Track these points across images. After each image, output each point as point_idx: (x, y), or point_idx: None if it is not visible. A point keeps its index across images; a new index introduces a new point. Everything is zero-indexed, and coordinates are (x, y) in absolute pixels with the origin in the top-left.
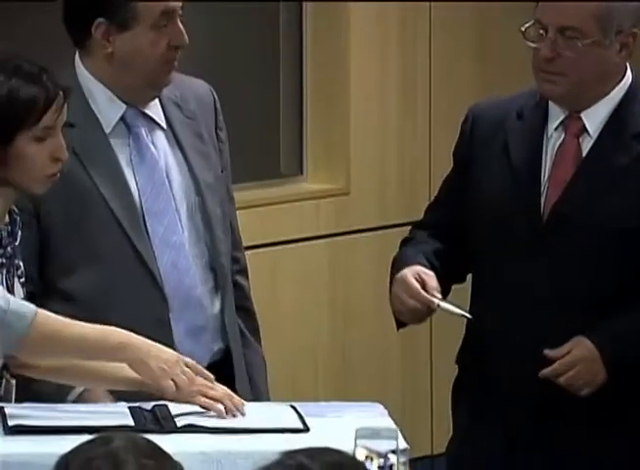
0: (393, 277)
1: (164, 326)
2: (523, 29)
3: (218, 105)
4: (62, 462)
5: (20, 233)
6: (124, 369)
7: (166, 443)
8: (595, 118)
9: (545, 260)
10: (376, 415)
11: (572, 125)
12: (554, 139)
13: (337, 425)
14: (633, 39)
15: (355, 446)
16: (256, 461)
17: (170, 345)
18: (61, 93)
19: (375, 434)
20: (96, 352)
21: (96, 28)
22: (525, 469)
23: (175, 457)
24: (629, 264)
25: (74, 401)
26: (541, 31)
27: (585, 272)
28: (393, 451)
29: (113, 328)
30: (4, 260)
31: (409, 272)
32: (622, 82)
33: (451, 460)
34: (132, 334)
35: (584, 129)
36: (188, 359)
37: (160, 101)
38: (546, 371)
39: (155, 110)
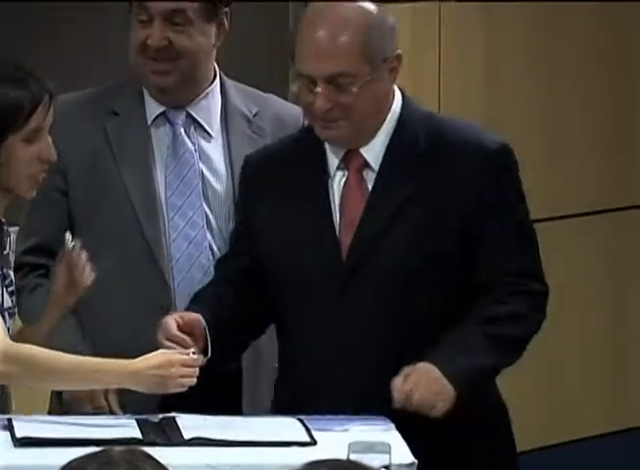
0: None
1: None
2: (295, 90)
3: None
4: None
5: (8, 242)
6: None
7: (174, 455)
8: (374, 150)
9: (350, 302)
10: (382, 429)
11: (354, 161)
12: (338, 178)
13: (343, 438)
14: (399, 61)
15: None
16: None
17: None
18: (47, 96)
19: (368, 448)
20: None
21: None
22: None
23: (180, 469)
24: (437, 290)
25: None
26: (310, 85)
27: (389, 311)
28: (386, 467)
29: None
30: None
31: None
32: (393, 106)
33: None
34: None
35: (366, 163)
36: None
37: (227, 111)
38: (395, 403)
39: (204, 114)
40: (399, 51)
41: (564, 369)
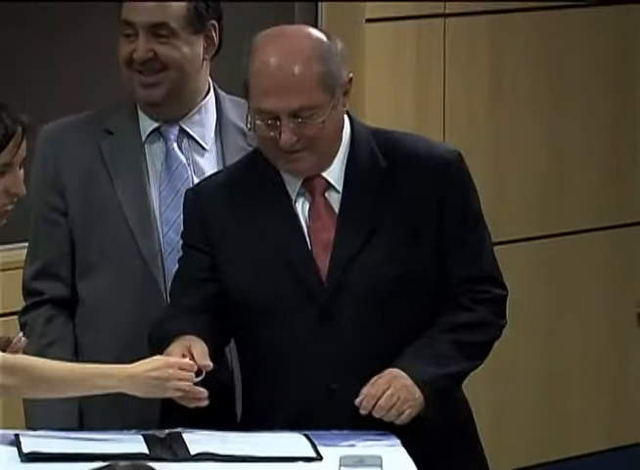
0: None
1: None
2: (249, 126)
3: None
4: None
5: None
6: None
7: None
8: (335, 172)
9: (333, 322)
10: (388, 445)
11: (317, 185)
12: (300, 202)
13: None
14: (351, 83)
15: None
16: None
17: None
18: (19, 129)
19: (359, 462)
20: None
21: None
22: None
23: None
24: (417, 301)
25: None
26: (270, 121)
27: (371, 326)
28: None
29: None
30: None
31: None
32: (345, 126)
33: None
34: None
35: (329, 185)
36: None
37: (221, 125)
38: (361, 410)
39: (197, 128)
40: (351, 74)
41: (564, 383)
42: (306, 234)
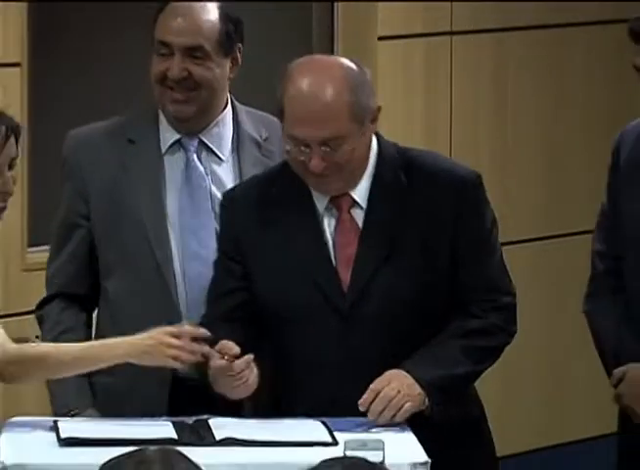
0: None
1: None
2: (289, 152)
3: None
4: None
5: None
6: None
7: (205, 454)
8: (361, 190)
9: (353, 331)
10: (399, 430)
11: (343, 203)
12: (327, 218)
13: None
14: (379, 111)
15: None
16: None
17: None
18: (3, 129)
19: (362, 445)
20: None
21: None
22: None
23: (213, 468)
24: (434, 311)
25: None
26: (302, 147)
27: (389, 334)
28: (381, 462)
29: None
30: None
31: None
32: (373, 146)
33: None
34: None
35: (354, 202)
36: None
37: (238, 137)
38: (361, 406)
39: (216, 140)
40: (379, 104)
41: (565, 374)
42: (331, 248)
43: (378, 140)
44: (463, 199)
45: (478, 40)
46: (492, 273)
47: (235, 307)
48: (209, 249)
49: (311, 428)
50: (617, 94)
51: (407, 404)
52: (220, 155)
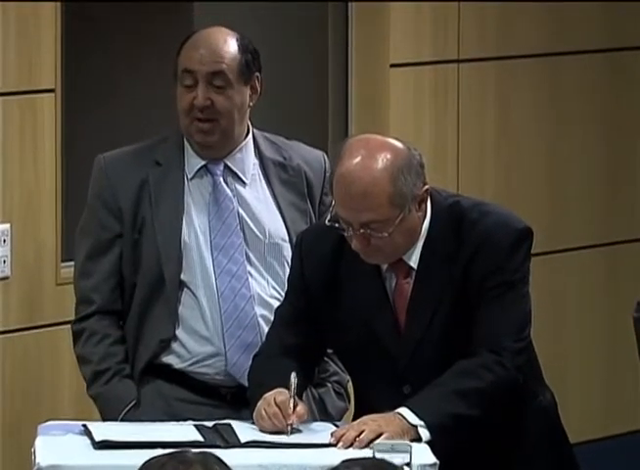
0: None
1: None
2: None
3: (328, 173)
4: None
5: None
6: None
7: (229, 456)
8: (414, 254)
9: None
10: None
11: (399, 269)
12: (389, 279)
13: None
14: (427, 192)
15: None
16: None
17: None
18: None
19: (391, 448)
20: None
21: None
22: None
23: (236, 469)
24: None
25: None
26: (345, 225)
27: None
28: (408, 464)
29: None
30: None
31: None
32: (426, 218)
33: None
34: None
35: (410, 268)
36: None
37: (262, 160)
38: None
39: (239, 165)
40: (427, 186)
41: (563, 382)
42: (392, 308)
43: (432, 200)
44: (509, 250)
45: (482, 68)
46: (504, 322)
47: (300, 340)
48: (239, 265)
49: (327, 430)
50: (615, 116)
51: (367, 430)
52: (244, 178)
